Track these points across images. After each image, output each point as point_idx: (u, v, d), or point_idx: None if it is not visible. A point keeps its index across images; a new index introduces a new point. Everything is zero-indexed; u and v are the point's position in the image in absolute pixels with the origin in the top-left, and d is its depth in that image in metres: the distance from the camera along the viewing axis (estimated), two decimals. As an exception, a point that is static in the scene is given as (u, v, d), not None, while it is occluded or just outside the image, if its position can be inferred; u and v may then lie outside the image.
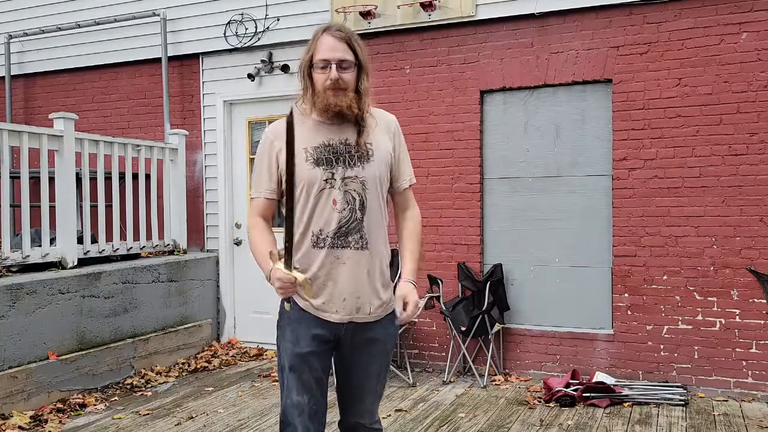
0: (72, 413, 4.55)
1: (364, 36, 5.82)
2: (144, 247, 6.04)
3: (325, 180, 2.28)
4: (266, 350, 6.18)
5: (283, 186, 2.30)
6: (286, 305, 2.30)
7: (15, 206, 5.81)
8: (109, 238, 5.68)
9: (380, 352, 2.42)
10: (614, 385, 4.78)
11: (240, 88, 6.39)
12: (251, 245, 2.40)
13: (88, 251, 5.42)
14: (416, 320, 5.53)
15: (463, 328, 5.23)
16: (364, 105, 2.34)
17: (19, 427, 4.17)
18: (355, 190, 2.30)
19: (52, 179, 5.12)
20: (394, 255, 5.72)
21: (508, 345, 5.48)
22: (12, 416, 4.26)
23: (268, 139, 2.39)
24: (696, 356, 4.91)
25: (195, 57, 6.60)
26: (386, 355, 2.46)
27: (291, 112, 2.18)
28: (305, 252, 2.31)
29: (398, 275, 5.94)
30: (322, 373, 2.36)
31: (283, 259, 2.19)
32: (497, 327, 5.30)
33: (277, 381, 5.30)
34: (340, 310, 2.31)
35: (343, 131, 2.33)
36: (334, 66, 2.26)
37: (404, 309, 2.35)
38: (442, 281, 5.54)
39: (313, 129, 2.34)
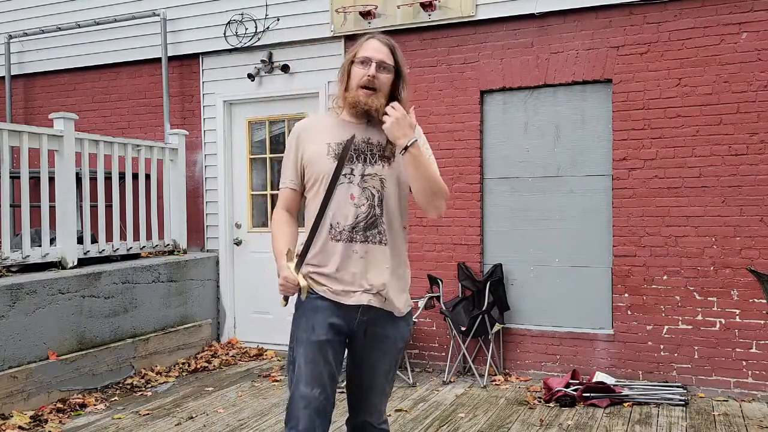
0: (72, 413, 4.55)
1: (364, 36, 5.81)
2: (144, 247, 6.04)
3: (344, 174, 2.34)
4: (266, 350, 6.18)
5: (306, 180, 2.41)
6: (282, 302, 2.39)
7: (15, 206, 5.81)
8: (109, 238, 5.68)
9: (390, 350, 2.44)
10: (614, 385, 4.78)
11: (240, 88, 6.39)
12: (272, 237, 2.46)
13: (88, 251, 5.42)
14: (416, 320, 5.52)
15: (463, 328, 5.23)
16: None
17: (19, 427, 4.17)
18: (374, 187, 2.36)
19: (52, 179, 5.12)
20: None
21: (508, 345, 5.48)
22: (12, 416, 4.26)
23: (296, 132, 2.48)
24: (696, 356, 4.91)
25: (195, 57, 6.60)
26: (396, 353, 2.47)
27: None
28: (323, 243, 2.35)
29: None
30: (335, 367, 2.36)
31: (295, 260, 2.31)
32: (497, 327, 5.30)
33: (276, 381, 5.30)
34: (359, 293, 2.33)
35: (368, 131, 2.40)
36: (374, 64, 2.35)
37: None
38: (442, 281, 5.54)
39: (339, 126, 2.42)
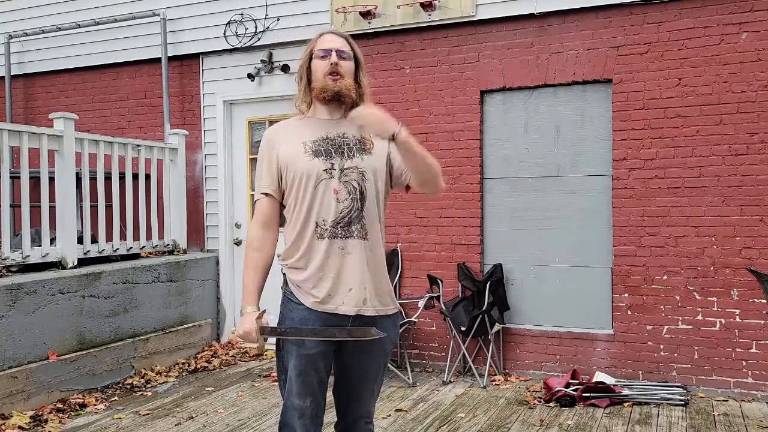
0: (72, 413, 4.55)
1: (364, 36, 5.83)
2: (144, 247, 6.04)
3: (325, 170, 2.32)
4: (266, 350, 6.17)
5: (285, 182, 2.37)
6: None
7: (15, 206, 5.81)
8: (109, 238, 5.68)
9: (380, 354, 2.43)
10: (614, 385, 4.78)
11: (240, 88, 6.39)
12: (245, 265, 2.40)
13: (88, 251, 5.42)
14: (416, 320, 5.53)
15: (463, 328, 5.23)
16: (365, 97, 2.43)
17: (19, 427, 4.17)
18: (354, 180, 2.34)
19: (52, 179, 5.12)
20: (394, 255, 5.75)
21: (508, 345, 5.48)
22: (12, 416, 4.26)
23: (266, 138, 2.45)
24: (696, 356, 4.91)
25: (195, 57, 6.60)
26: (385, 357, 2.46)
27: None
28: (308, 244, 2.32)
29: (398, 275, 5.85)
30: (324, 374, 2.38)
31: (262, 321, 2.35)
32: (497, 327, 5.30)
33: (276, 381, 5.29)
34: (347, 302, 2.30)
35: (341, 126, 2.40)
36: (334, 53, 2.38)
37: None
38: (442, 281, 5.54)
39: (312, 126, 2.41)
